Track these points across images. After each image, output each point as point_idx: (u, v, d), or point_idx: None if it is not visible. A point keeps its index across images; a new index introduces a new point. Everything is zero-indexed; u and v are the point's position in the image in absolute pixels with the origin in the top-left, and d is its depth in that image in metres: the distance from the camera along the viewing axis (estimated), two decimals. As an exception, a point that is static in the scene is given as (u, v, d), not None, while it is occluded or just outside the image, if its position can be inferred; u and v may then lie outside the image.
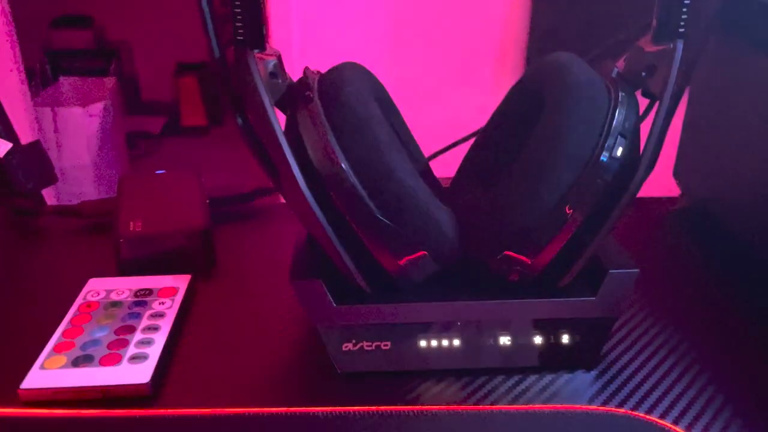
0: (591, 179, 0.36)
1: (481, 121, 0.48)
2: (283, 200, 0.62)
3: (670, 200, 0.60)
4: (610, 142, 0.36)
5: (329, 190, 0.36)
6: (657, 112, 0.36)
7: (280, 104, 0.38)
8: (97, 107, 1.98)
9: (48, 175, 0.63)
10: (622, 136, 0.36)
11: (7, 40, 1.59)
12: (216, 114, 2.65)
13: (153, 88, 2.69)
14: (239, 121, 0.38)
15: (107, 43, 2.55)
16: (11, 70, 1.59)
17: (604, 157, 0.36)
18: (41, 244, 0.56)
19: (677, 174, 0.60)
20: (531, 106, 0.40)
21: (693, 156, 0.58)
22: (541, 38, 1.40)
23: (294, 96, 0.38)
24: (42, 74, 2.25)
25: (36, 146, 0.64)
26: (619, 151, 0.36)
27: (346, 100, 0.37)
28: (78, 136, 1.96)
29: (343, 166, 0.35)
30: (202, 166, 0.62)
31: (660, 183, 0.53)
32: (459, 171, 0.46)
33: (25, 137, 0.62)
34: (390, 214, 0.36)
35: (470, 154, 0.46)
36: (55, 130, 1.95)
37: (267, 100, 0.35)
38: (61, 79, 2.20)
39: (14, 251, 0.55)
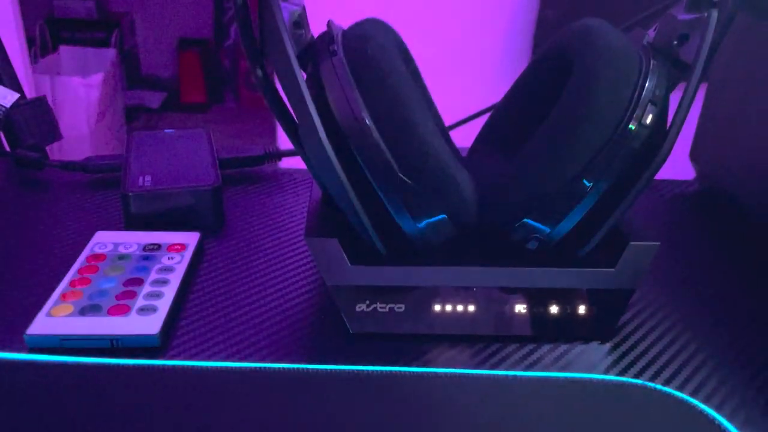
0: (617, 148, 0.35)
1: (486, 102, 0.47)
2: (291, 166, 0.62)
3: (685, 183, 0.59)
4: (640, 110, 0.35)
5: (351, 146, 0.35)
6: (689, 81, 0.36)
7: (302, 57, 0.37)
8: (97, 78, 1.96)
9: (53, 131, 0.62)
10: (653, 103, 0.35)
11: (9, 6, 1.57)
12: (216, 91, 2.63)
13: (153, 63, 2.66)
14: (259, 72, 0.37)
15: (109, 14, 2.53)
16: (12, 37, 1.57)
17: (633, 125, 0.35)
18: (46, 197, 0.55)
19: (694, 157, 0.59)
20: (557, 72, 0.39)
21: (711, 139, 0.57)
22: (549, 27, 1.39)
23: (317, 49, 0.37)
24: (42, 42, 2.22)
25: (42, 102, 0.63)
26: (649, 119, 0.35)
27: (371, 54, 0.36)
28: (76, 106, 1.94)
29: (367, 121, 0.34)
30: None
31: (675, 166, 0.53)
32: (477, 139, 0.45)
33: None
34: (411, 173, 0.35)
35: (490, 122, 0.45)
36: (53, 99, 1.93)
37: (291, 49, 0.34)
38: (61, 48, 2.17)
39: (19, 203, 0.54)
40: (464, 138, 0.47)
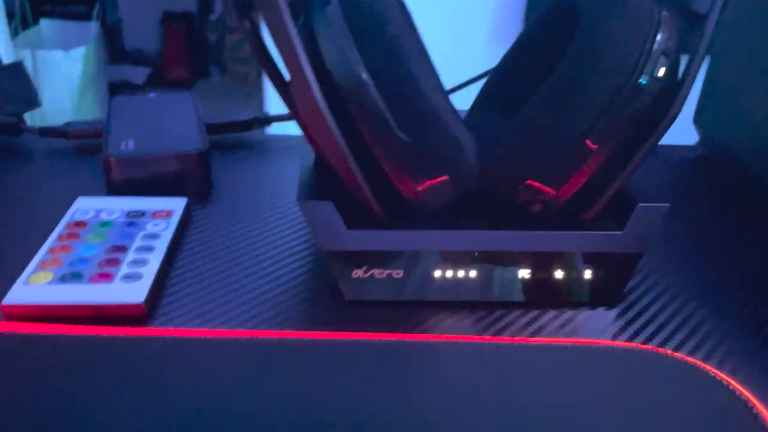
0: (627, 104, 0.33)
1: (477, 70, 0.45)
2: (280, 133, 0.59)
3: (689, 148, 0.58)
4: (651, 64, 0.33)
5: (346, 102, 0.33)
6: (701, 33, 0.34)
7: (292, 7, 0.35)
8: (79, 51, 1.92)
9: (31, 97, 0.60)
10: (665, 55, 0.33)
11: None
12: (202, 66, 2.59)
13: (137, 37, 2.61)
14: (246, 24, 0.35)
15: (90, -13, 2.47)
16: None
17: (644, 79, 0.33)
18: (25, 164, 0.52)
19: (698, 121, 0.57)
20: (563, 25, 0.37)
21: (714, 103, 0.56)
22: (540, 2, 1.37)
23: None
24: (22, 16, 2.17)
25: (19, 67, 0.60)
26: (662, 72, 0.33)
27: (368, 3, 0.34)
28: (59, 80, 1.90)
29: (363, 76, 0.32)
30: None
31: (678, 131, 0.51)
32: (477, 100, 0.44)
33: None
34: (411, 131, 0.33)
35: (490, 82, 0.43)
36: (35, 73, 1.89)
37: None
38: (42, 21, 2.12)
39: (-5, 170, 0.52)
40: (463, 103, 0.45)
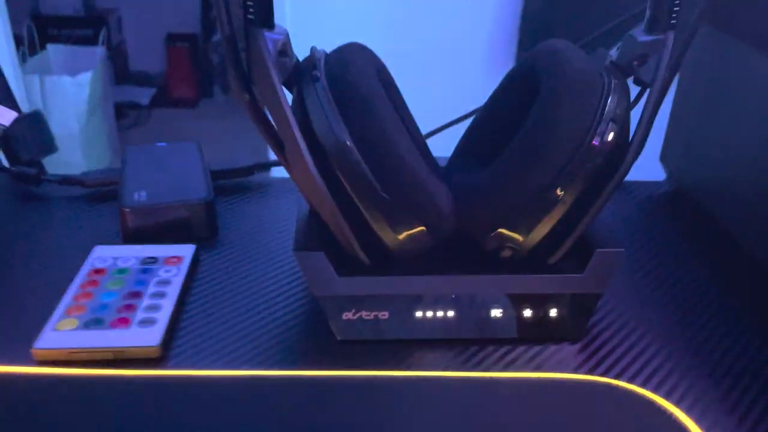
0: (582, 162, 0.37)
1: (471, 106, 0.50)
2: (281, 175, 0.64)
3: (656, 184, 0.62)
4: (602, 127, 0.37)
5: (333, 166, 0.37)
6: (647, 100, 0.38)
7: (287, 82, 0.40)
8: (86, 76, 1.97)
9: (48, 144, 0.64)
10: (614, 121, 0.38)
11: (-5, 5, 1.57)
12: (205, 86, 2.64)
13: (142, 59, 2.67)
14: (246, 97, 0.39)
15: (95, 11, 2.53)
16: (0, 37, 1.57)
17: (596, 141, 0.37)
18: (45, 212, 0.57)
19: (664, 159, 0.62)
20: (526, 91, 0.42)
21: (680, 142, 0.60)
22: (533, 26, 1.40)
23: (301, 74, 0.39)
24: (30, 41, 2.22)
25: (37, 115, 0.64)
26: (611, 136, 0.38)
27: (351, 79, 0.38)
28: (66, 105, 1.94)
29: (348, 143, 0.37)
30: (192, 138, 0.64)
31: (647, 167, 0.55)
32: (457, 149, 0.48)
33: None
34: (391, 190, 0.37)
35: (467, 135, 0.48)
36: (43, 99, 1.94)
37: (276, 79, 0.37)
38: (49, 46, 2.18)
39: (18, 217, 0.56)
40: (449, 140, 0.49)
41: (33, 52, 2.18)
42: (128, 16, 2.60)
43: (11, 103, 0.63)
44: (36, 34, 2.27)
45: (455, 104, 0.58)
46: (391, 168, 0.37)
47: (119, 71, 2.57)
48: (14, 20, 1.64)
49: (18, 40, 1.78)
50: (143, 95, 2.54)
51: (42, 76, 1.93)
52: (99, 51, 2.17)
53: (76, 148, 1.92)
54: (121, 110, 2.35)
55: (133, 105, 2.47)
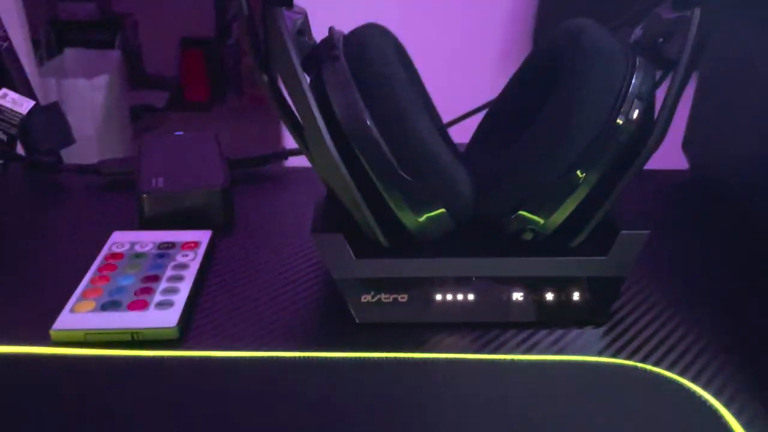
0: (606, 142, 0.37)
1: (485, 98, 0.49)
2: (296, 165, 0.64)
3: (678, 173, 0.61)
4: (626, 105, 0.37)
5: (353, 147, 0.37)
6: (672, 77, 0.37)
7: (305, 63, 0.39)
8: (102, 80, 1.98)
9: (66, 135, 0.64)
10: (639, 99, 0.37)
11: (14, 9, 1.59)
12: (220, 89, 2.65)
13: (157, 63, 2.68)
14: (264, 78, 0.39)
15: (111, 16, 2.55)
16: (18, 41, 1.59)
17: (620, 119, 0.37)
18: (62, 200, 0.57)
19: (686, 147, 0.61)
20: (548, 71, 0.41)
21: (702, 129, 0.59)
22: (549, 16, 1.40)
23: (320, 55, 0.39)
24: (47, 45, 2.24)
25: (55, 107, 0.65)
26: (635, 114, 0.37)
27: (371, 59, 0.38)
28: (82, 107, 1.96)
29: (368, 123, 0.36)
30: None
31: (668, 156, 0.55)
32: (475, 135, 0.47)
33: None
34: (411, 170, 0.37)
35: (486, 119, 0.47)
36: (60, 101, 1.95)
37: (295, 57, 0.36)
38: (66, 50, 2.20)
39: (36, 205, 0.56)
40: (466, 133, 0.49)
41: (50, 55, 2.20)
42: (144, 20, 2.62)
43: (29, 93, 0.63)
44: (54, 38, 2.29)
45: (468, 102, 0.58)
46: (411, 148, 0.37)
47: (134, 75, 2.59)
48: (33, 26, 1.66)
49: (36, 45, 1.80)
50: (158, 99, 2.56)
51: (59, 79, 1.95)
52: (115, 55, 2.19)
53: (92, 150, 1.94)
54: (136, 113, 2.37)
55: (148, 108, 2.49)
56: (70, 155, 0.65)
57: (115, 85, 2.07)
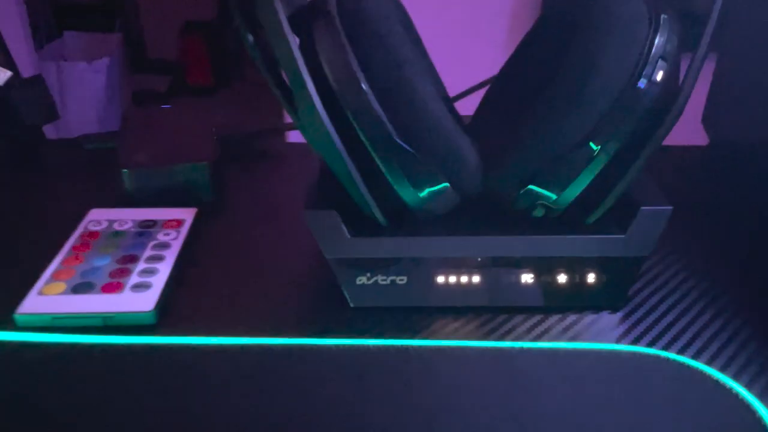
0: (627, 107, 0.33)
1: (493, 69, 0.45)
2: (290, 141, 0.60)
3: (696, 148, 0.58)
4: (649, 67, 0.33)
5: (347, 112, 0.33)
6: (702, 33, 0.34)
7: (294, 20, 0.36)
8: (102, 63, 1.95)
9: (51, 110, 0.61)
10: (663, 59, 0.33)
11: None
12: (223, 73, 2.62)
13: (159, 47, 2.65)
14: (250, 38, 0.36)
15: (112, -1, 2.52)
16: (16, 24, 1.56)
17: (642, 82, 0.33)
18: (41, 175, 0.54)
19: (706, 121, 0.57)
20: (561, 32, 0.37)
21: (723, 103, 0.55)
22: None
23: (310, 12, 0.35)
24: (47, 28, 2.21)
25: (38, 80, 0.61)
26: (659, 76, 0.33)
27: (367, 16, 0.34)
28: (83, 91, 1.94)
29: (363, 86, 0.33)
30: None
31: (687, 131, 0.51)
32: (481, 104, 0.44)
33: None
34: (411, 140, 0.33)
35: (493, 86, 0.44)
36: (60, 85, 1.93)
37: (282, 12, 0.33)
38: (66, 34, 2.17)
39: (13, 181, 0.53)
40: (471, 106, 0.46)
41: (50, 39, 2.18)
42: (145, 4, 2.59)
43: (10, 65, 0.60)
44: (54, 21, 2.26)
45: (474, 65, 0.54)
46: (412, 115, 0.33)
47: (136, 59, 2.56)
48: (32, 9, 1.63)
49: (35, 28, 1.77)
50: (160, 83, 2.53)
51: (58, 62, 1.92)
52: (115, 38, 2.16)
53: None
54: (138, 98, 2.34)
55: (151, 93, 2.46)
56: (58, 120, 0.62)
57: (116, 69, 2.04)
